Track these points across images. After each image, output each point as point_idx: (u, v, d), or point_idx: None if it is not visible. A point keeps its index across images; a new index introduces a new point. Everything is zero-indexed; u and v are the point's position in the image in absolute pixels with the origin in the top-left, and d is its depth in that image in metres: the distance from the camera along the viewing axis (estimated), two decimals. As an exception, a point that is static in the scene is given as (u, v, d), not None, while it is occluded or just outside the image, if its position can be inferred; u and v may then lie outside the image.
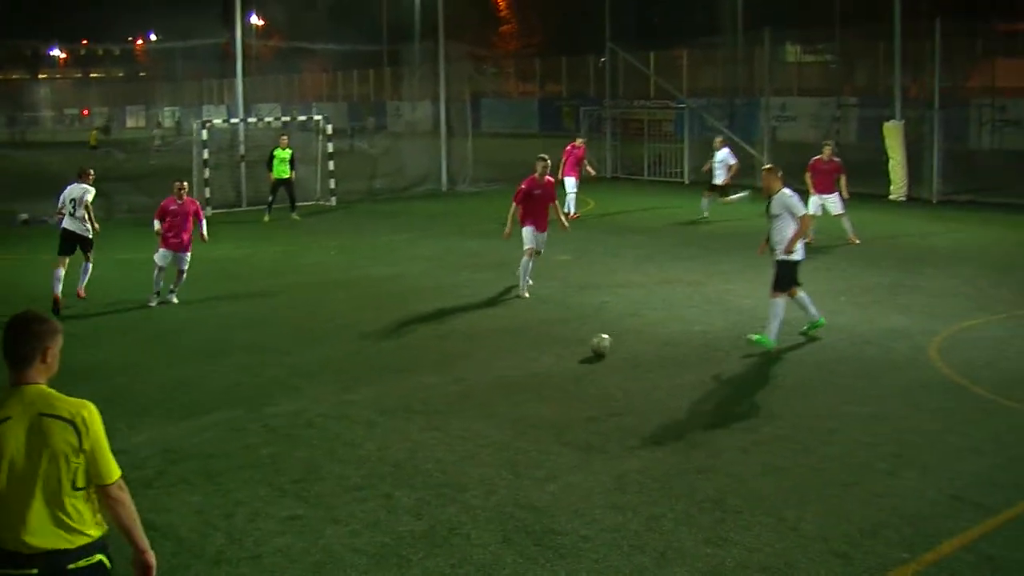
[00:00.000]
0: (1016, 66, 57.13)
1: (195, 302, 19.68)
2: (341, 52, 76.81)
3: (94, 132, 73.56)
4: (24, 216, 31.87)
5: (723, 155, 30.00)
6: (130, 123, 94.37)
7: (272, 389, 13.81)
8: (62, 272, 19.22)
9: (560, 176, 29.24)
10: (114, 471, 5.78)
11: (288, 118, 43.51)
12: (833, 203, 24.92)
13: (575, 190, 30.55)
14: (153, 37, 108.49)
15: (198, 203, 20.62)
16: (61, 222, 19.88)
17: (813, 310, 16.12)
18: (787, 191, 15.75)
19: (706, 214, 29.46)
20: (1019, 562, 8.70)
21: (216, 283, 21.65)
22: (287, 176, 30.72)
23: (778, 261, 15.73)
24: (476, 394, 13.42)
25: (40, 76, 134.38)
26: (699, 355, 15.24)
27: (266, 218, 31.02)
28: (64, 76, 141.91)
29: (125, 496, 5.84)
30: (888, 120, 35.22)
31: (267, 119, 43.13)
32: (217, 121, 40.01)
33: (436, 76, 41.28)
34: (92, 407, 5.77)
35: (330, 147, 35.33)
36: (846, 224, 25.07)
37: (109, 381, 14.38)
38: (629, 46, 47.55)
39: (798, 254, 15.73)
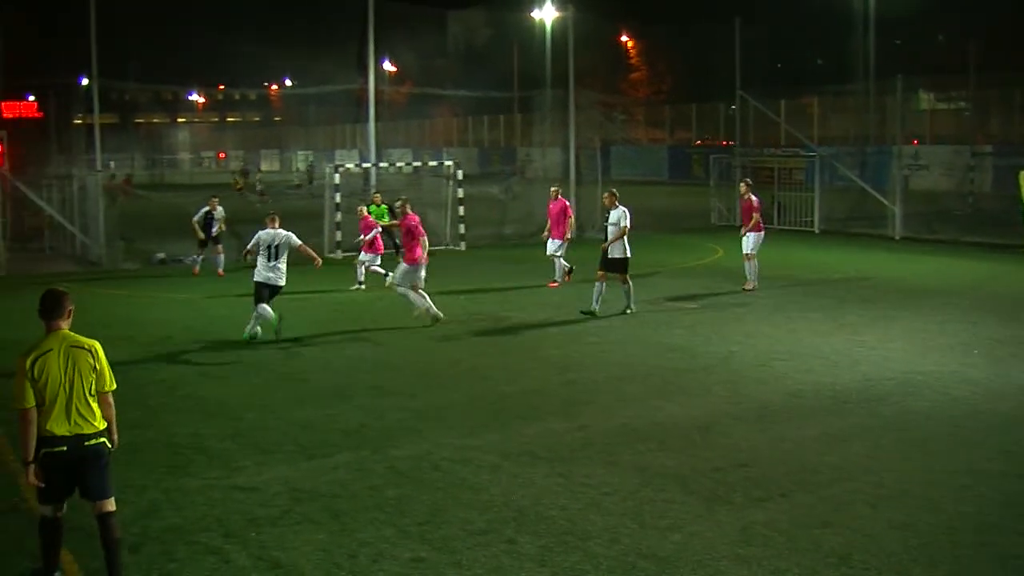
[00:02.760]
0: None
1: (322, 344, 19.96)
2: (472, 98, 77.55)
3: (236, 177, 75.82)
4: (161, 255, 32.71)
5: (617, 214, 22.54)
6: (264, 166, 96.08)
7: (397, 432, 13.91)
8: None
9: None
10: (112, 383, 9.19)
11: (419, 163, 44.02)
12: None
13: (559, 252, 26.60)
14: (288, 83, 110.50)
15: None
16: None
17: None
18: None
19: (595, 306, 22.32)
20: None
21: (343, 325, 21.94)
22: (386, 225, 31.48)
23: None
24: (600, 441, 13.38)
25: (179, 120, 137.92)
26: (827, 407, 15.01)
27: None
28: (202, 120, 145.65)
29: (112, 402, 9.27)
30: (1024, 168, 34.52)
31: (398, 164, 43.68)
32: (349, 165, 40.60)
33: (566, 123, 41.45)
34: (98, 344, 9.13)
35: (460, 192, 35.60)
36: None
37: (238, 418, 14.64)
38: (759, 93, 47.33)
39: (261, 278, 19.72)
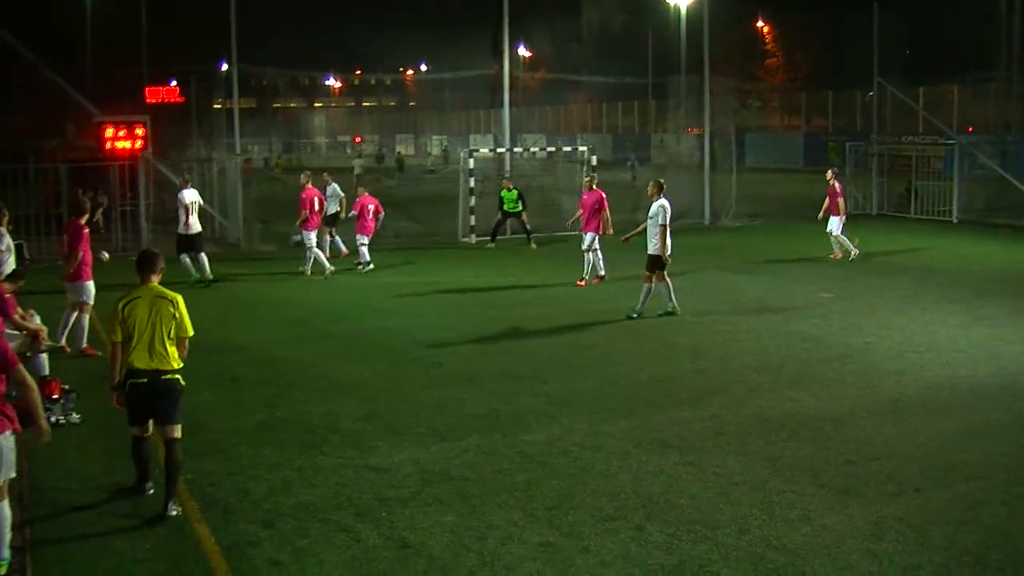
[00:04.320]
0: None
1: (452, 328, 20.09)
2: (606, 84, 77.34)
3: (279, 162, 78.15)
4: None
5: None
6: (399, 150, 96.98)
7: (527, 416, 13.98)
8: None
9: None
10: (190, 330, 10.88)
11: (553, 148, 44.06)
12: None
13: (593, 247, 25.13)
14: (424, 68, 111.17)
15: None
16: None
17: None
18: None
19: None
20: None
21: (477, 311, 22.08)
22: (518, 210, 32.09)
23: None
24: (731, 431, 13.31)
25: (316, 105, 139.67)
26: (963, 401, 14.74)
27: (490, 245, 32.90)
28: (338, 105, 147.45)
29: (187, 346, 10.96)
30: None
31: (532, 149, 43.78)
32: (484, 150, 40.80)
33: (701, 109, 41.20)
34: (180, 297, 10.89)
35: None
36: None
37: (371, 399, 14.84)
38: (897, 81, 46.55)
39: None
